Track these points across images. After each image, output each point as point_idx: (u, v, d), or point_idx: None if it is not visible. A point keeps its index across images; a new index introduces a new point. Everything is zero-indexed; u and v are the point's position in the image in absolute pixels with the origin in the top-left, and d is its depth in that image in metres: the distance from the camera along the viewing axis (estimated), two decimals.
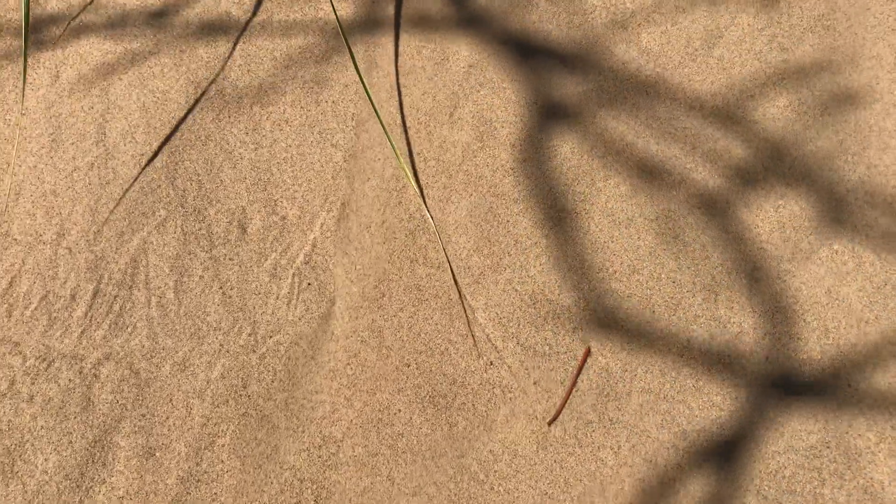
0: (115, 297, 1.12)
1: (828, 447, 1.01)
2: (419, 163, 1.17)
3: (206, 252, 1.15)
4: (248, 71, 1.24)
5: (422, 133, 1.19)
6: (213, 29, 1.27)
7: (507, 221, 1.14)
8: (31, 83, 1.24)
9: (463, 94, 1.21)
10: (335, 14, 1.08)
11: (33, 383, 1.07)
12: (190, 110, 1.22)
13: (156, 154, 1.19)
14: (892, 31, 1.22)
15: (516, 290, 1.09)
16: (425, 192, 1.15)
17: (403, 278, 1.10)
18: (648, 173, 1.16)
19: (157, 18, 1.28)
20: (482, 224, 1.13)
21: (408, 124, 1.19)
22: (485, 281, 1.10)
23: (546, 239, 1.13)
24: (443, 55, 1.24)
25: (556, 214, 1.14)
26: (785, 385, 1.05)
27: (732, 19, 1.24)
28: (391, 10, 1.25)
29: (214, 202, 1.17)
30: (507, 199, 1.15)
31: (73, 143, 1.21)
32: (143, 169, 1.18)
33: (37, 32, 1.27)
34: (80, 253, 1.15)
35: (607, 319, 1.09)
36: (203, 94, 1.23)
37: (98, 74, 1.25)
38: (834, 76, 1.20)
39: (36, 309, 1.12)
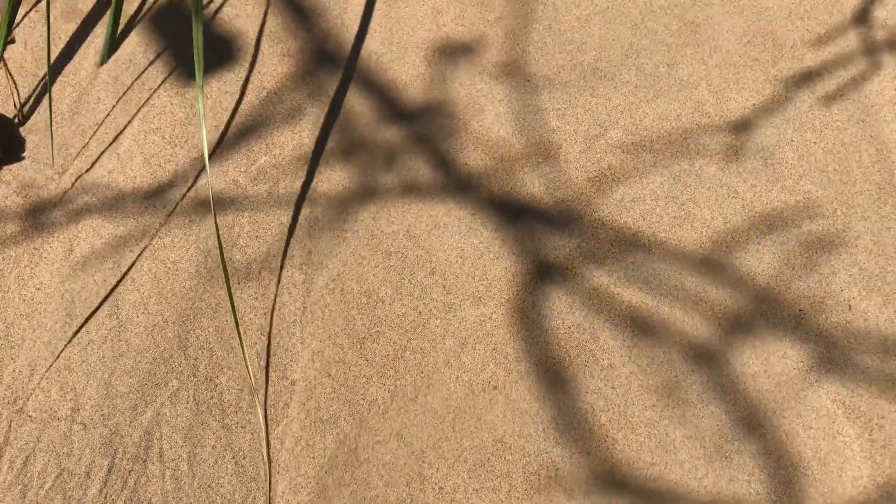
0: (130, 471, 1.14)
1: None
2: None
3: (219, 421, 1.17)
4: (257, 237, 1.30)
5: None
6: (221, 199, 1.33)
7: (507, 387, 1.17)
8: (45, 258, 1.29)
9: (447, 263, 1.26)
10: (220, 252, 1.14)
11: None
12: (200, 279, 1.26)
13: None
14: (859, 180, 1.30)
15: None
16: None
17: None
18: (641, 327, 1.20)
19: (167, 191, 1.34)
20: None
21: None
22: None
23: (546, 400, 1.16)
24: (434, 224, 1.30)
25: (555, 373, 1.18)
26: None
27: (702, 170, 1.31)
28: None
29: (226, 369, 1.20)
30: (509, 359, 1.19)
31: (86, 317, 1.24)
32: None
33: (37, 216, 1.33)
34: (94, 428, 1.17)
35: (612, 479, 1.11)
36: (213, 262, 1.28)
37: (110, 248, 1.30)
38: (810, 222, 1.27)
39: (51, 488, 1.12)
